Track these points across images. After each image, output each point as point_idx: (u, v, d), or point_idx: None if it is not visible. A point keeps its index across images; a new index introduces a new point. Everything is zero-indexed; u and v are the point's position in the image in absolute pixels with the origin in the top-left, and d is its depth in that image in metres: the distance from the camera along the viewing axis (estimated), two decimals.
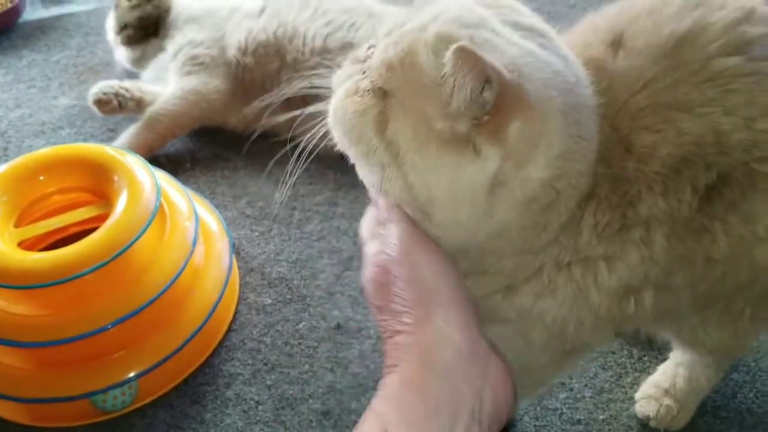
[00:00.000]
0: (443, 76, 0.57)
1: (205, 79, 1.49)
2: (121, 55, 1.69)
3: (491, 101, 0.56)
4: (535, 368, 0.84)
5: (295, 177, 0.71)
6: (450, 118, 0.58)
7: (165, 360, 1.04)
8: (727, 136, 0.66)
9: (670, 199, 0.67)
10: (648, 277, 0.71)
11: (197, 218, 1.15)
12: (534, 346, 0.78)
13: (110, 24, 1.69)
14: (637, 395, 1.03)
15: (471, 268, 0.71)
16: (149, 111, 1.47)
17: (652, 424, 1.00)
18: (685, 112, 0.67)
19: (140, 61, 1.65)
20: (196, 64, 1.50)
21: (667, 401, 1.00)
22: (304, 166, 0.71)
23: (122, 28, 1.61)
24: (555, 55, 0.62)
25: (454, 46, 0.55)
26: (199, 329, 1.08)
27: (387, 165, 0.62)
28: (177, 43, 1.55)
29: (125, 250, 0.98)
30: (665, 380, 1.01)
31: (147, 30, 1.61)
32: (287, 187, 0.76)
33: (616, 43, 0.70)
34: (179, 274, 1.05)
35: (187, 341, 1.06)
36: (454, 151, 0.59)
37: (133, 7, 1.60)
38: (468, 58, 0.54)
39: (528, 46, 0.61)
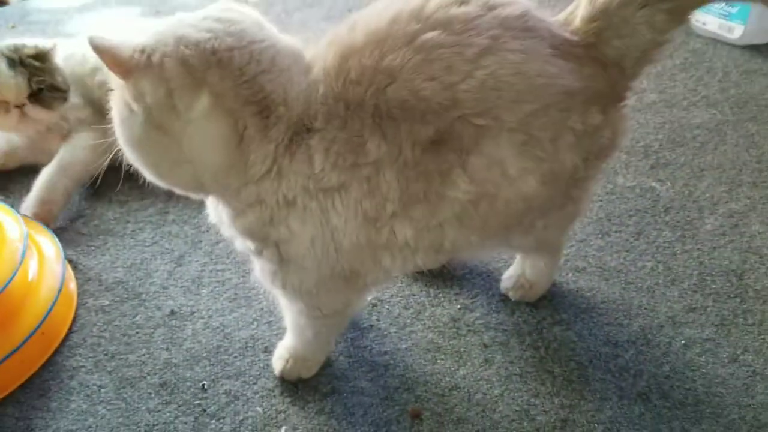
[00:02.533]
0: None
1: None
2: None
3: (117, 71, 0.80)
4: (323, 294, 0.99)
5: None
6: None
7: (5, 359, 1.12)
8: (429, 99, 0.84)
9: (391, 146, 0.85)
10: (386, 210, 0.89)
11: (26, 238, 1.24)
12: (310, 271, 0.94)
13: None
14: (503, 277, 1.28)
15: (238, 207, 0.87)
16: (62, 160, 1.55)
17: (510, 295, 1.27)
18: (389, 76, 0.85)
19: None
20: None
21: (521, 281, 1.25)
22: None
23: None
24: (227, 34, 0.82)
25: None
26: (35, 330, 1.17)
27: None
28: None
29: None
30: (518, 269, 1.25)
31: None
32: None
33: (352, 26, 0.89)
34: (7, 285, 1.14)
35: (24, 341, 1.15)
36: (128, 115, 0.82)
37: None
38: (95, 44, 0.78)
39: (177, 32, 0.81)
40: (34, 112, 1.47)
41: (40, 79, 1.45)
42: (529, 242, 1.11)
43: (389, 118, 0.83)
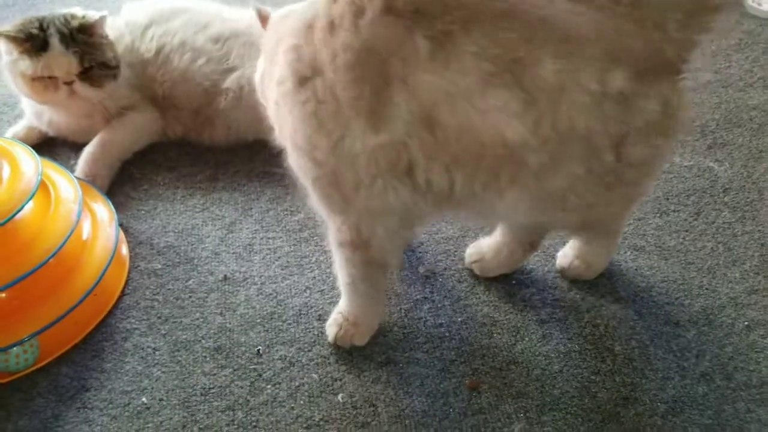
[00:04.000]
0: None
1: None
2: None
3: None
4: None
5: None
6: None
7: (60, 318, 1.12)
8: None
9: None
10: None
11: (81, 200, 1.24)
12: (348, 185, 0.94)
13: None
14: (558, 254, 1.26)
15: None
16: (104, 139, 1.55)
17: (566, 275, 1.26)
18: None
19: None
20: None
21: (576, 261, 1.23)
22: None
23: None
24: None
25: None
26: (90, 291, 1.17)
27: None
28: None
29: (9, 220, 1.07)
30: (573, 247, 1.23)
31: None
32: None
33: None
34: (63, 244, 1.14)
35: (80, 302, 1.15)
36: None
37: None
38: None
39: None
40: (83, 89, 1.45)
41: (91, 57, 1.43)
42: (571, 220, 1.05)
43: None
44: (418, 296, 1.23)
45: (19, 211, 1.11)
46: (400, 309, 1.21)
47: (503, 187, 0.91)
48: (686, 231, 1.32)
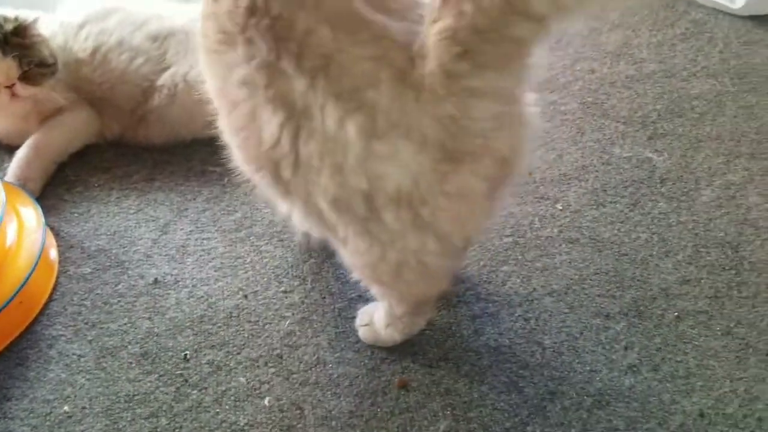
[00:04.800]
0: None
1: None
2: None
3: None
4: None
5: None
6: None
7: None
8: None
9: None
10: None
11: (3, 205, 1.21)
12: None
13: None
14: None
15: None
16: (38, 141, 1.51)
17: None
18: None
19: None
20: None
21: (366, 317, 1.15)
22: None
23: None
24: None
25: None
26: (12, 299, 1.14)
27: None
28: None
29: None
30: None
31: None
32: None
33: None
34: None
35: (0, 310, 1.12)
36: None
37: None
38: None
39: None
40: (23, 89, 1.42)
41: (29, 59, 1.40)
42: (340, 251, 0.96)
43: None
44: (352, 294, 1.22)
45: None
46: (334, 308, 1.20)
47: None
48: (621, 222, 1.31)
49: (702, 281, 1.20)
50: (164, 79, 1.49)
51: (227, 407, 1.06)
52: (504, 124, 0.80)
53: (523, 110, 0.86)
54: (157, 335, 1.16)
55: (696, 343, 1.11)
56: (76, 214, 1.41)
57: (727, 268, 1.22)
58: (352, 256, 0.92)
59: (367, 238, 0.86)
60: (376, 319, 1.09)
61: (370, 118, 0.76)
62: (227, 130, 0.91)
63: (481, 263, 1.26)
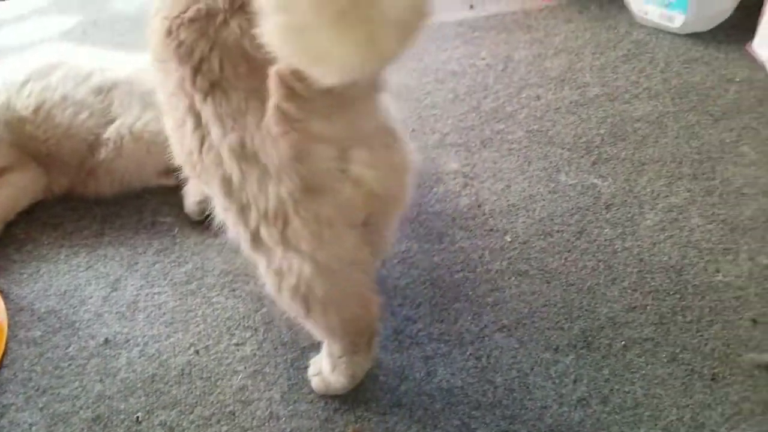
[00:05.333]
0: None
1: None
2: None
3: None
4: None
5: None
6: None
7: None
8: None
9: None
10: None
11: None
12: None
13: None
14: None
15: None
16: None
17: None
18: None
19: None
20: None
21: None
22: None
23: None
24: None
25: None
26: None
27: None
28: None
29: None
30: None
31: None
32: None
33: None
34: None
35: None
36: None
37: None
38: None
39: None
40: None
41: None
42: None
43: None
44: (304, 344, 1.22)
45: None
46: (287, 359, 1.20)
47: None
48: (569, 251, 1.33)
49: (647, 307, 1.22)
50: (110, 132, 1.48)
51: None
52: (362, 164, 0.86)
53: (395, 153, 0.91)
54: (108, 398, 1.16)
55: (643, 372, 1.12)
56: (25, 275, 1.40)
57: (671, 293, 1.24)
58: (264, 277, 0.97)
59: (259, 255, 0.92)
60: (324, 366, 1.10)
61: (240, 142, 0.84)
62: (168, 127, 0.97)
63: (433, 302, 1.27)
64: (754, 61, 1.73)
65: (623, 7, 1.98)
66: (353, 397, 1.11)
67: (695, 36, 1.88)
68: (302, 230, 0.86)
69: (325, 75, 0.70)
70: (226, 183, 0.88)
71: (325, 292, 0.93)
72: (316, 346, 1.19)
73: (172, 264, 1.38)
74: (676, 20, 1.88)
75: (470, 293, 1.28)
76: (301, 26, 0.68)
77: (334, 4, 0.65)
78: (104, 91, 1.54)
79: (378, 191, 0.88)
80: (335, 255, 0.91)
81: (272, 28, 0.69)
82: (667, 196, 1.42)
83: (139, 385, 1.17)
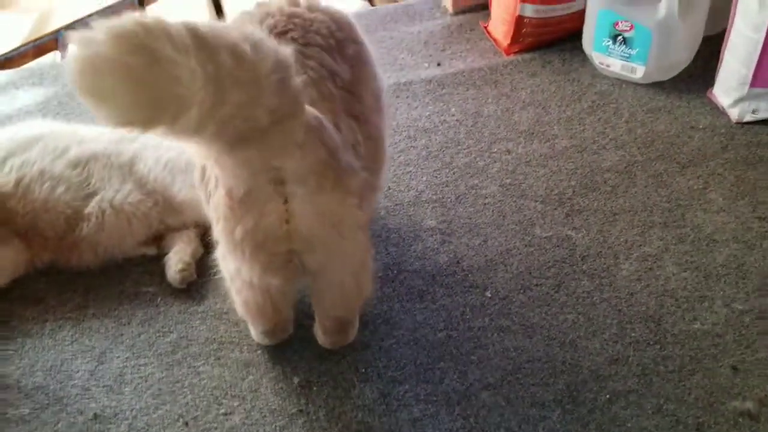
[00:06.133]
0: None
1: None
2: None
3: None
4: None
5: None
6: None
7: None
8: None
9: None
10: None
11: None
12: None
13: None
14: None
15: None
16: None
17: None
18: None
19: None
20: None
21: None
22: None
23: None
24: None
25: None
26: None
27: None
28: None
29: None
30: None
31: None
32: None
33: None
34: None
35: None
36: None
37: None
38: None
39: None
40: None
41: None
42: None
43: None
44: (292, 410, 1.23)
45: None
46: (275, 426, 1.21)
47: None
48: (548, 305, 1.36)
49: (629, 359, 1.25)
50: (91, 206, 1.50)
51: None
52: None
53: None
54: None
55: (629, 424, 1.15)
56: (10, 352, 1.40)
57: (651, 342, 1.27)
58: None
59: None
60: None
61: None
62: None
63: (417, 361, 1.29)
64: (715, 108, 1.80)
65: (585, 60, 2.05)
66: None
67: (657, 85, 1.96)
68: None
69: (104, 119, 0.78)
70: None
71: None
72: (304, 412, 1.20)
73: (157, 334, 1.39)
74: (638, 71, 1.96)
75: (454, 351, 1.30)
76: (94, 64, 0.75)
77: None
78: (81, 164, 1.56)
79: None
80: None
81: (72, 61, 0.75)
82: (641, 245, 1.47)
83: None
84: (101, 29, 0.74)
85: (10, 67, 2.48)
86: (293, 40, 1.09)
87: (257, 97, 0.84)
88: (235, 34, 0.83)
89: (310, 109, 0.97)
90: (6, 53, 2.55)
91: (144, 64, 0.75)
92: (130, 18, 0.76)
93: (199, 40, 0.77)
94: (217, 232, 1.08)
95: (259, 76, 0.83)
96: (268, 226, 1.01)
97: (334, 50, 1.12)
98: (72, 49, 0.76)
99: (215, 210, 1.05)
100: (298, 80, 0.91)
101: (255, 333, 1.33)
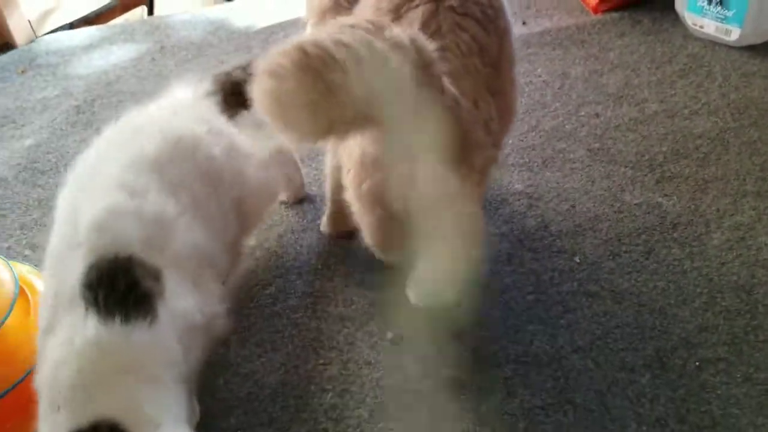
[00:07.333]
0: None
1: None
2: None
3: None
4: None
5: None
6: None
7: None
8: None
9: None
10: None
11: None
12: None
13: None
14: None
15: None
16: None
17: None
18: None
19: None
20: None
21: None
22: None
23: None
24: None
25: None
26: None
27: None
28: None
29: None
30: None
31: None
32: None
33: None
34: None
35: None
36: None
37: None
38: None
39: None
40: None
41: None
42: None
43: None
44: (387, 363, 1.29)
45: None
46: (372, 378, 1.27)
47: None
48: (638, 272, 1.38)
49: (719, 328, 1.26)
50: None
51: None
52: None
53: None
54: (210, 417, 1.23)
55: (718, 391, 1.17)
56: None
57: (742, 312, 1.28)
58: None
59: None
60: None
61: None
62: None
63: (507, 323, 1.33)
64: None
65: (677, 20, 2.00)
66: (438, 417, 1.18)
67: (751, 49, 1.91)
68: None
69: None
70: None
71: None
72: (397, 366, 1.26)
73: (257, 287, 1.46)
74: (732, 34, 1.91)
75: (543, 315, 1.33)
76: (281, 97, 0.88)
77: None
78: None
79: None
80: None
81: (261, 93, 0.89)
82: (732, 214, 1.46)
83: (236, 404, 1.24)
84: (285, 58, 0.87)
85: (99, 23, 2.57)
86: (451, 8, 1.09)
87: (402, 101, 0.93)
88: (380, 45, 0.90)
89: (448, 88, 0.99)
90: (96, 9, 2.64)
91: (322, 97, 0.87)
92: (308, 44, 0.88)
93: (355, 63, 0.88)
94: (348, 181, 1.13)
95: (403, 77, 0.91)
96: (390, 188, 1.05)
97: (490, 21, 1.12)
98: (260, 76, 0.89)
99: (348, 158, 1.11)
100: (438, 68, 0.97)
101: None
